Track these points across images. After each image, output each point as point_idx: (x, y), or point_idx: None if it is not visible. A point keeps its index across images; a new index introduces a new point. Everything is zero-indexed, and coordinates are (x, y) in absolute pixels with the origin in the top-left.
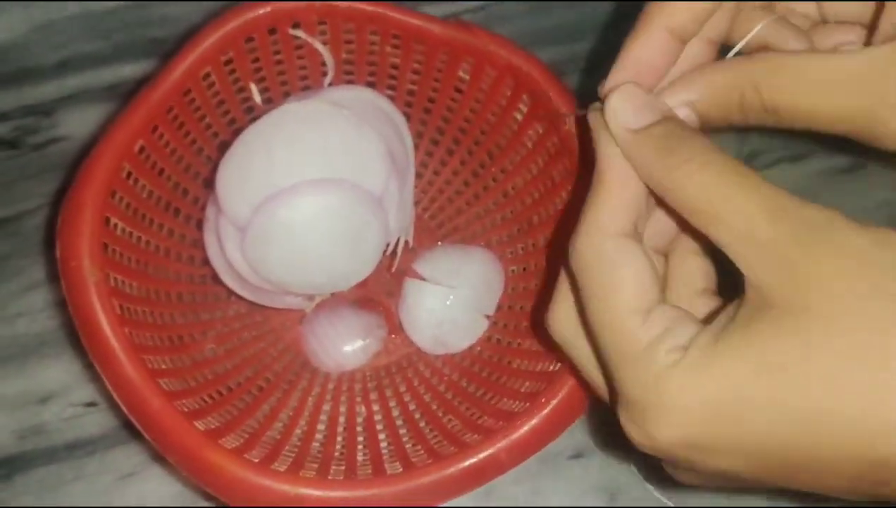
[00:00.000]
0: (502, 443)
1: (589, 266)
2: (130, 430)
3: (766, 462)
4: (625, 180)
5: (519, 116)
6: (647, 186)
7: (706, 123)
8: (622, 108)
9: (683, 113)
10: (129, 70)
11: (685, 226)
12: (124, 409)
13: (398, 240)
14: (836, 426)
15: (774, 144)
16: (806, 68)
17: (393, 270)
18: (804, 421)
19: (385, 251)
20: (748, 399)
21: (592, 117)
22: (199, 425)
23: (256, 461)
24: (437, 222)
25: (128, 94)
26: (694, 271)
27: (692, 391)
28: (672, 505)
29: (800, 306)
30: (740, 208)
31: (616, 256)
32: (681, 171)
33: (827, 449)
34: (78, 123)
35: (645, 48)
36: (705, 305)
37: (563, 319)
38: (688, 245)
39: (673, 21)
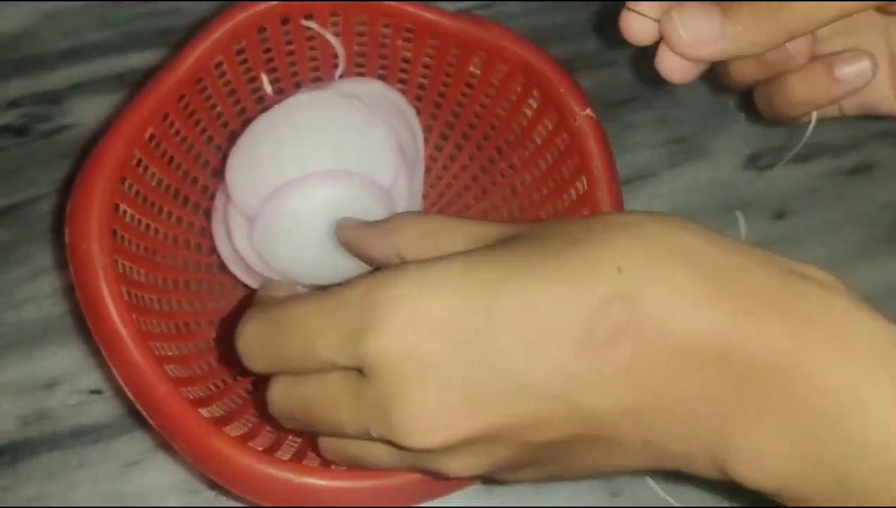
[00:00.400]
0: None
1: None
2: (135, 418)
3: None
4: None
5: (529, 112)
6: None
7: None
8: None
9: None
10: (138, 59)
11: None
12: (130, 395)
13: None
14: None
15: (780, 144)
16: None
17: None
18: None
19: None
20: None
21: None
22: (205, 412)
23: (261, 449)
24: None
25: (136, 83)
26: None
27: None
28: (674, 504)
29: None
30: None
31: None
32: None
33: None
34: (86, 111)
35: None
36: None
37: None
38: None
39: None
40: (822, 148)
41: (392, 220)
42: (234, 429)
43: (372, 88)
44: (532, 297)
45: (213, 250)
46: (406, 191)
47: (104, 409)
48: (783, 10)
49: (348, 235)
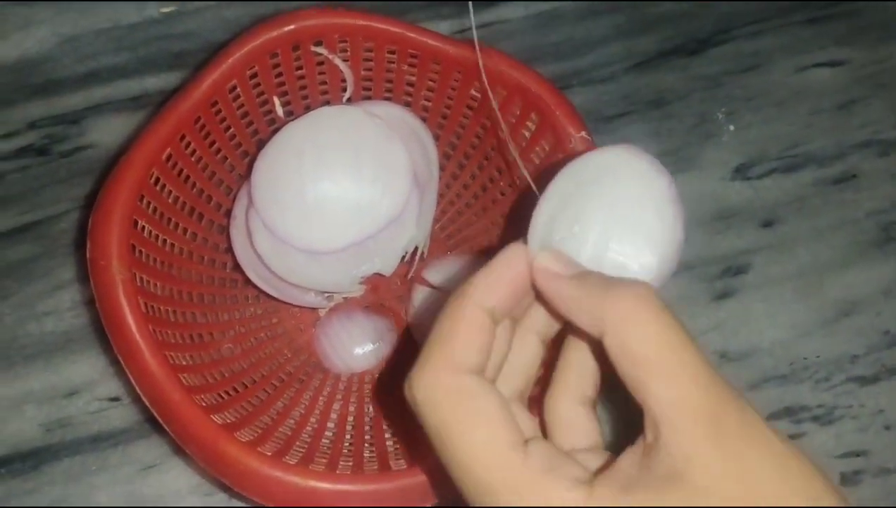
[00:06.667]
0: None
1: (448, 400)
2: (152, 424)
3: None
4: (482, 323)
5: (527, 134)
6: (576, 323)
7: None
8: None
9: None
10: (153, 82)
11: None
12: (146, 401)
13: (415, 249)
14: None
15: (768, 155)
16: None
17: (409, 277)
18: None
19: (402, 259)
20: None
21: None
22: (217, 418)
23: (269, 454)
24: (448, 233)
25: (152, 104)
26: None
27: None
28: None
29: (716, 493)
30: (681, 376)
31: (479, 390)
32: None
33: None
34: (104, 132)
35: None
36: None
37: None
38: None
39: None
40: (809, 158)
41: (612, 291)
42: (245, 435)
43: (390, 110)
44: None
45: (226, 265)
46: (417, 210)
47: (122, 415)
48: None
49: (546, 282)
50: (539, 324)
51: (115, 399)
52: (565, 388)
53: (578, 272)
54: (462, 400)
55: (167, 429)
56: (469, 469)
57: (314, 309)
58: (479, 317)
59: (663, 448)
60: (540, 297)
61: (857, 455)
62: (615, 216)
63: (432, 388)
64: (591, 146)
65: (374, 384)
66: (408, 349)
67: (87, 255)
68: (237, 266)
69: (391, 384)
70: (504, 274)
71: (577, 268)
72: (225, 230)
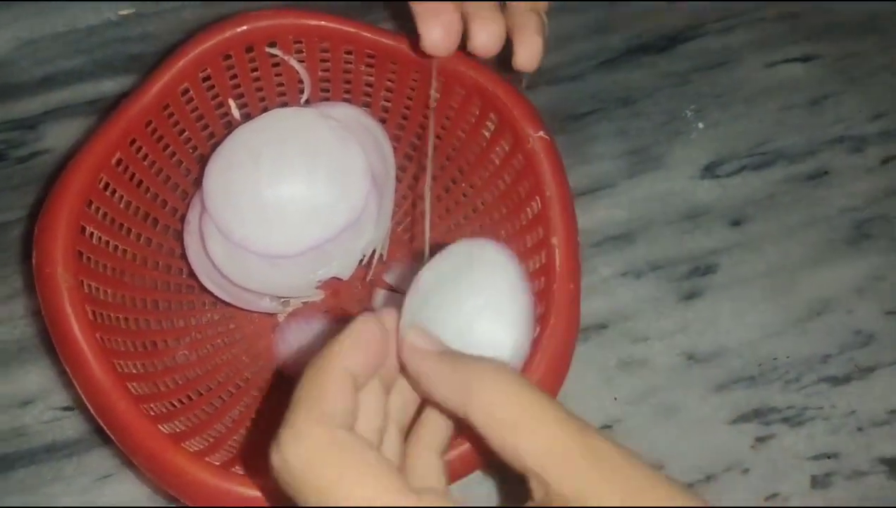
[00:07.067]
0: (454, 452)
1: (328, 456)
2: (106, 433)
3: None
4: (348, 383)
5: (487, 134)
6: (438, 398)
7: None
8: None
9: None
10: (111, 85)
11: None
12: (92, 410)
13: (373, 252)
14: None
15: (738, 152)
16: None
17: (367, 280)
18: None
19: (360, 262)
20: None
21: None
22: (165, 428)
23: (217, 464)
24: (410, 235)
25: (109, 108)
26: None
27: None
28: None
29: None
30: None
31: (356, 442)
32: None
33: None
34: (61, 137)
35: None
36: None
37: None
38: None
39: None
40: (779, 155)
41: (473, 366)
42: (194, 444)
43: (346, 111)
44: None
45: (182, 270)
46: (375, 212)
47: (76, 425)
48: None
49: (413, 359)
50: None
51: (69, 409)
52: (419, 439)
53: (443, 350)
54: (343, 454)
55: (113, 439)
56: None
57: (273, 314)
58: (344, 377)
59: (554, 496)
60: (405, 371)
61: (829, 458)
62: (477, 300)
63: (308, 447)
64: (549, 146)
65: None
66: None
67: (33, 262)
68: (192, 272)
69: None
70: (363, 340)
71: (442, 346)
72: (180, 235)
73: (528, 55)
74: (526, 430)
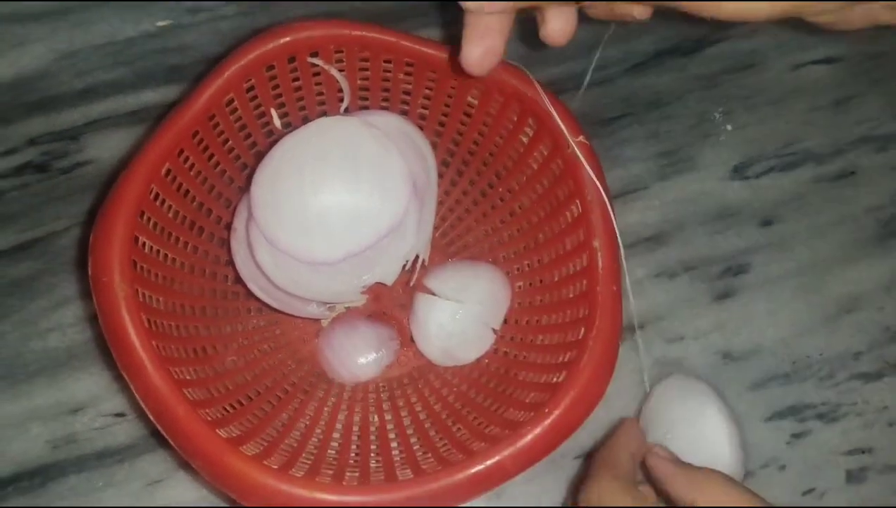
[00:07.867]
0: (508, 451)
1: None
2: (157, 438)
3: None
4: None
5: (525, 139)
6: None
7: None
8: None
9: None
10: (151, 96)
11: None
12: (151, 417)
13: (416, 257)
14: None
15: (766, 153)
16: None
17: (411, 285)
18: None
19: (403, 268)
20: None
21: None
22: (222, 433)
23: (275, 467)
24: (448, 240)
25: (150, 119)
26: None
27: None
28: None
29: None
30: None
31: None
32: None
33: None
34: (103, 148)
35: None
36: None
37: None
38: None
39: None
40: (806, 155)
41: (701, 475)
42: (250, 448)
43: (387, 119)
44: None
45: (227, 277)
46: (416, 219)
47: (128, 431)
48: None
49: (658, 465)
50: None
51: (120, 415)
52: None
53: (680, 461)
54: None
55: (173, 444)
56: None
57: (317, 320)
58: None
59: None
60: (647, 473)
61: (863, 452)
62: (696, 429)
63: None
64: (589, 150)
65: (378, 392)
66: (412, 357)
67: (89, 272)
68: (238, 278)
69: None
70: (636, 429)
71: (679, 459)
72: (225, 243)
73: (558, 26)
74: None
